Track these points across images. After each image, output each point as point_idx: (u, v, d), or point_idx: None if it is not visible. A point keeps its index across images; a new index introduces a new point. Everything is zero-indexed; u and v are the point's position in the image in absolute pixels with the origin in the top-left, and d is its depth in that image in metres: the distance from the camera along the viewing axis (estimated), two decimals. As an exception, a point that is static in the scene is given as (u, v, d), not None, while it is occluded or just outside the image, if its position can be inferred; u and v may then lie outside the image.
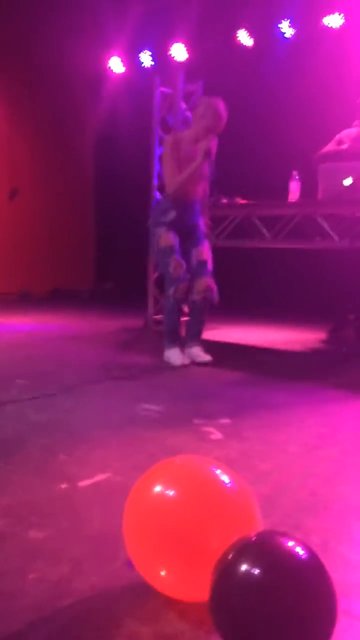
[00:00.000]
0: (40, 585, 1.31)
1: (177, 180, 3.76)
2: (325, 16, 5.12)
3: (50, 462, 2.06)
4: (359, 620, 1.20)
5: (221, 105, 3.69)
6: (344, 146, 4.28)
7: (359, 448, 2.30)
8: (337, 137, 4.50)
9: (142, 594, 1.26)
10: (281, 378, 3.52)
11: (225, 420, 2.60)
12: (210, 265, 3.81)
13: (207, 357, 3.76)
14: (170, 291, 3.73)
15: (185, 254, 3.80)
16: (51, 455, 2.12)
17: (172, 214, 3.84)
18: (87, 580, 1.33)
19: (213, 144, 3.69)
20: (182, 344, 3.85)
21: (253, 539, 1.08)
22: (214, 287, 3.76)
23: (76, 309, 6.88)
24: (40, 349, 4.31)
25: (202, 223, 3.99)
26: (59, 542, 1.50)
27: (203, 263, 3.80)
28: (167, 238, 3.79)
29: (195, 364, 3.74)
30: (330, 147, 4.41)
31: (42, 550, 1.46)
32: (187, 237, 3.86)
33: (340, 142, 4.43)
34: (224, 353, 4.12)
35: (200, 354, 3.81)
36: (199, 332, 3.88)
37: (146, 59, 6.45)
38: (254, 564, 1.01)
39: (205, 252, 3.85)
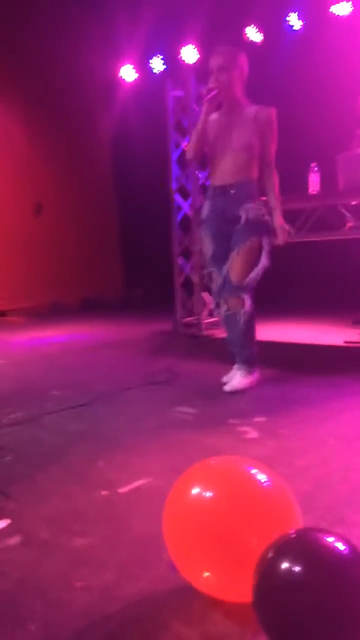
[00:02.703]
0: (87, 593, 1.33)
1: (188, 150, 3.23)
2: (332, 5, 5.08)
3: (89, 470, 2.09)
4: None
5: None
6: None
7: None
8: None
9: (187, 596, 1.27)
10: (312, 373, 3.49)
11: (260, 419, 2.60)
12: (235, 278, 3.07)
13: (229, 387, 3.14)
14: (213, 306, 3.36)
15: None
16: (90, 463, 2.14)
17: (206, 208, 3.24)
18: (132, 585, 1.34)
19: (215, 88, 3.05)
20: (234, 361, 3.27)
21: (292, 536, 1.08)
22: (241, 303, 3.09)
23: (107, 317, 6.95)
24: (73, 359, 4.37)
25: (249, 213, 3.06)
26: (103, 548, 1.52)
27: (227, 277, 3.10)
28: (204, 243, 3.28)
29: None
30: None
31: (87, 558, 1.48)
32: (229, 234, 3.12)
33: None
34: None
35: (229, 380, 3.23)
36: (234, 353, 3.22)
37: (157, 63, 6.49)
38: (294, 562, 1.01)
39: (233, 262, 3.08)
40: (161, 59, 6.43)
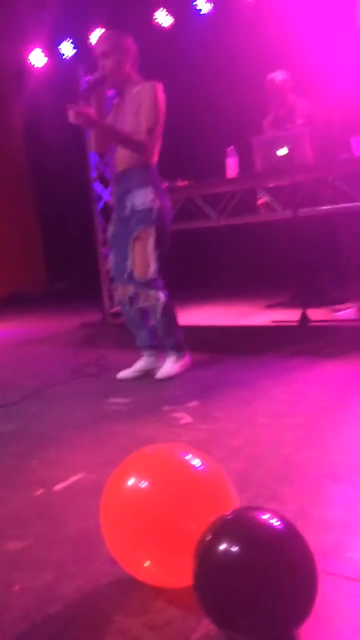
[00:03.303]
0: (26, 595, 1.30)
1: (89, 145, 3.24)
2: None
3: (22, 469, 2.04)
4: (341, 578, 1.23)
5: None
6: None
7: (326, 412, 2.35)
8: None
9: (128, 588, 1.26)
10: (241, 354, 3.55)
11: (193, 403, 2.62)
12: (137, 275, 3.03)
13: (160, 374, 3.12)
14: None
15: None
16: (23, 463, 2.09)
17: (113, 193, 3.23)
18: (71, 583, 1.32)
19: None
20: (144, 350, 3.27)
21: (228, 517, 1.10)
22: (154, 297, 3.05)
23: (32, 312, 6.77)
24: (2, 356, 4.23)
25: (135, 201, 3.01)
26: (39, 549, 1.49)
27: (131, 273, 3.07)
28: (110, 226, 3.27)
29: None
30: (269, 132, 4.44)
31: (24, 560, 1.44)
32: (126, 221, 3.08)
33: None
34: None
35: (127, 375, 3.22)
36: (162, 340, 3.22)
37: (68, 48, 6.31)
38: (231, 542, 1.03)
39: (130, 257, 3.04)
40: (71, 42, 6.26)
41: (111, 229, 3.24)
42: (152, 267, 3.03)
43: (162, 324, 3.14)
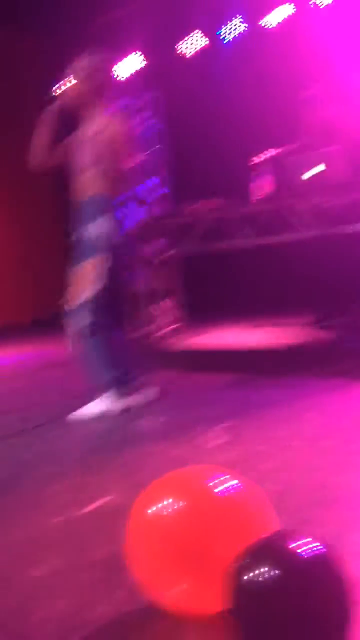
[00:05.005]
0: (47, 623, 1.24)
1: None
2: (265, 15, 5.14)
3: (46, 494, 1.98)
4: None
5: None
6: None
7: (362, 434, 2.24)
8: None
9: (154, 616, 1.18)
10: (272, 375, 3.44)
11: (225, 425, 2.53)
12: (67, 303, 2.97)
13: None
14: None
15: None
16: (47, 487, 2.04)
17: None
18: (95, 610, 1.25)
19: None
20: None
21: (265, 541, 1.04)
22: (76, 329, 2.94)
23: (57, 336, 6.77)
24: (25, 380, 4.23)
25: (86, 233, 2.92)
26: (61, 575, 1.42)
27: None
28: None
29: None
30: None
31: (46, 587, 1.38)
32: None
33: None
34: (211, 358, 4.07)
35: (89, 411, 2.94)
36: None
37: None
38: (267, 567, 0.97)
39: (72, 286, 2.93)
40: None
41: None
42: (82, 298, 2.88)
43: (87, 359, 2.93)
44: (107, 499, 1.86)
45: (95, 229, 2.88)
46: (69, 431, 2.76)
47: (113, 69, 2.98)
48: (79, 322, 2.90)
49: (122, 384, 2.93)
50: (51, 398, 3.54)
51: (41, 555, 1.53)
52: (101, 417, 2.89)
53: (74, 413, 2.92)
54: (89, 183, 2.92)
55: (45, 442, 2.62)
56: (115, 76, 3.12)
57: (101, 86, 2.95)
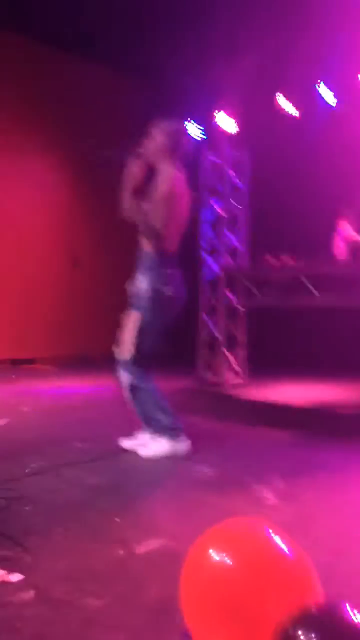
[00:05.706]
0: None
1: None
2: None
3: (105, 526, 2.08)
4: None
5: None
6: None
7: None
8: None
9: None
10: (334, 437, 3.43)
11: (280, 483, 2.57)
12: (118, 355, 3.17)
13: (143, 452, 3.10)
14: None
15: None
16: (107, 520, 2.14)
17: None
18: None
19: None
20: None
21: (313, 611, 1.07)
22: (122, 379, 3.14)
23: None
24: (97, 412, 4.38)
25: (133, 286, 3.15)
26: (116, 610, 1.50)
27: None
28: None
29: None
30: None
31: (100, 618, 1.46)
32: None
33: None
34: (273, 413, 4.08)
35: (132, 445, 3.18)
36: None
37: (193, 129, 6.73)
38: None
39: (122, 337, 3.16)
40: (196, 125, 6.67)
41: None
42: (126, 350, 3.10)
43: (134, 407, 3.14)
44: (162, 540, 1.94)
45: (141, 283, 3.10)
46: (134, 467, 2.86)
47: (186, 134, 3.24)
48: (122, 379, 3.14)
49: (171, 430, 3.10)
50: (124, 431, 3.65)
51: (98, 587, 1.61)
52: (160, 459, 3.01)
53: (135, 449, 3.10)
54: (141, 238, 3.14)
55: (113, 475, 2.73)
56: (189, 141, 3.32)
57: (168, 148, 3.12)
